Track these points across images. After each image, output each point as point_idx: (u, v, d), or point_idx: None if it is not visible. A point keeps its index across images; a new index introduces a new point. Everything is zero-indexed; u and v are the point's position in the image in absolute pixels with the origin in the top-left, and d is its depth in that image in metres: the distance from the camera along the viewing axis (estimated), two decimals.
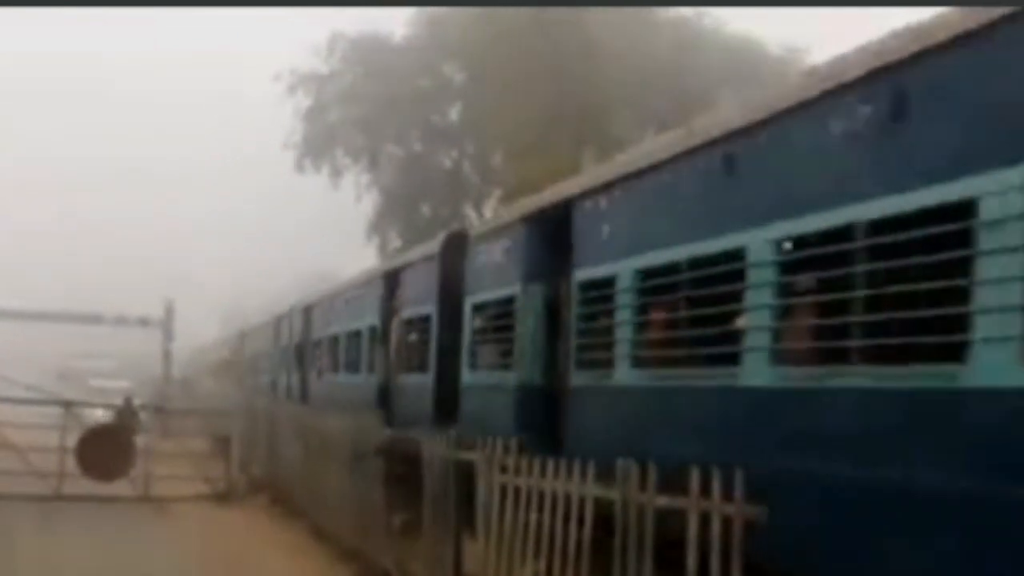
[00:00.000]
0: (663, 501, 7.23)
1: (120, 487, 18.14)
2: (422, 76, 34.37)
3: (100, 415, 22.75)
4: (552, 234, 11.15)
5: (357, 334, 19.74)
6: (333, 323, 22.38)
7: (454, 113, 35.71)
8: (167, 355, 44.06)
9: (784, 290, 7.47)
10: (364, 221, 36.71)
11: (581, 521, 7.98)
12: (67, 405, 19.78)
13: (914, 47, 6.31)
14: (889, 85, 6.46)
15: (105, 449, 18.49)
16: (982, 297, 5.68)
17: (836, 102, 6.92)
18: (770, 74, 29.56)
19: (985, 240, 5.66)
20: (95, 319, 46.66)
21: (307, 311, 25.67)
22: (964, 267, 5.81)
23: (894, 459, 6.09)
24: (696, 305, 8.44)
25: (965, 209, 5.77)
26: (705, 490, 6.82)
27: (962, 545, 5.58)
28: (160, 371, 43.09)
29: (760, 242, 7.54)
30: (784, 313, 7.47)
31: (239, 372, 38.27)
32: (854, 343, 6.64)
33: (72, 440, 18.35)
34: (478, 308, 13.33)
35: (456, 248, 14.48)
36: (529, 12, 28.52)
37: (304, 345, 25.69)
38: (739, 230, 7.81)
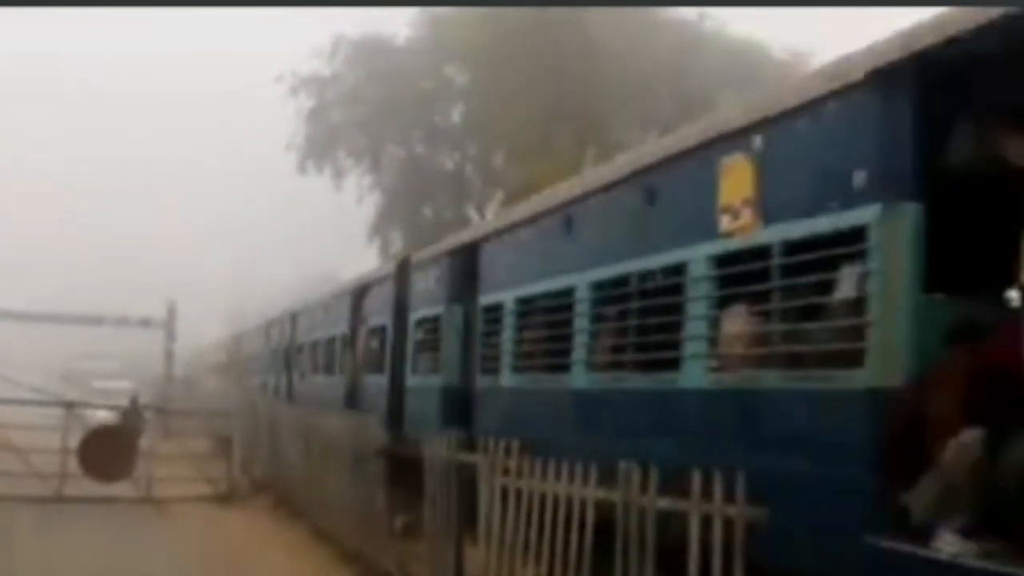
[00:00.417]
0: (664, 503, 7.24)
1: (121, 488, 18.14)
2: (424, 78, 34.39)
3: (102, 416, 22.74)
4: (466, 267, 14.02)
5: (332, 340, 22.32)
6: (313, 330, 24.90)
7: (456, 115, 35.72)
8: (169, 356, 44.09)
9: (595, 318, 10.31)
10: (366, 222, 36.74)
11: (583, 524, 7.99)
12: (69, 406, 19.77)
13: (655, 158, 9.67)
14: (644, 182, 9.56)
15: (107, 450, 18.49)
16: (687, 328, 8.53)
17: (616, 189, 10.21)
18: (773, 77, 29.59)
19: (691, 291, 8.49)
20: (97, 320, 46.69)
21: (293, 318, 27.74)
22: (680, 308, 8.62)
23: (649, 432, 9.01)
24: (546, 327, 11.46)
25: (680, 270, 8.65)
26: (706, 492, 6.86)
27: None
28: (162, 371, 43.11)
29: (583, 283, 10.53)
30: (594, 335, 10.29)
31: (236, 373, 39.84)
32: (628, 357, 9.58)
33: (74, 441, 18.35)
34: (418, 322, 16.20)
35: (406, 271, 17.15)
36: (531, 14, 28.52)
37: (290, 349, 27.85)
38: (572, 273, 10.83)
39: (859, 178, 6.58)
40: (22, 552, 12.76)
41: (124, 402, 24.55)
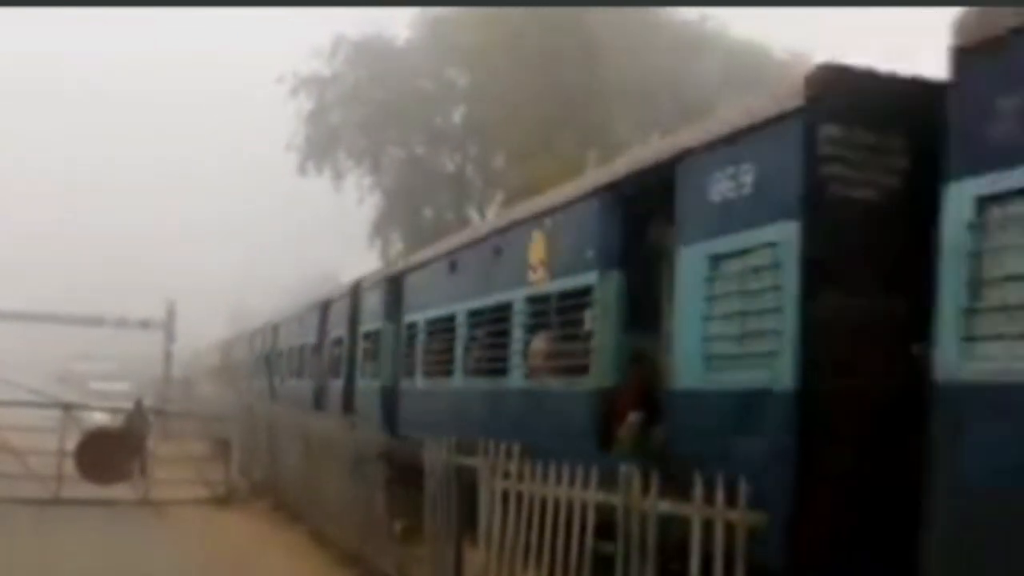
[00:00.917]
0: (666, 507, 7.21)
1: (119, 490, 18.10)
2: (425, 79, 34.36)
3: (99, 418, 22.71)
4: (395, 292, 17.45)
5: (304, 348, 25.55)
6: (289, 339, 28.18)
7: (457, 116, 35.68)
8: (168, 357, 44.11)
9: (468, 337, 13.42)
10: (367, 223, 36.73)
11: (583, 527, 7.95)
12: (66, 408, 19.71)
13: (500, 225, 13.34)
14: (493, 242, 12.97)
15: (104, 453, 18.45)
16: (512, 346, 11.69)
17: (480, 244, 13.59)
18: (775, 78, 29.54)
19: (515, 321, 11.69)
20: (96, 321, 46.69)
21: (274, 328, 30.98)
22: (509, 333, 11.82)
23: (493, 417, 12.03)
24: (441, 342, 14.58)
25: (509, 306, 11.89)
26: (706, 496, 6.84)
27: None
28: (160, 373, 43.13)
29: (463, 311, 13.63)
30: (467, 349, 13.42)
31: (227, 376, 41.99)
32: (483, 366, 12.73)
33: (71, 443, 18.31)
34: (365, 335, 19.16)
35: (358, 291, 20.16)
36: (532, 14, 28.48)
37: (271, 355, 31.13)
38: (456, 304, 13.99)
39: (590, 253, 10.15)
40: (20, 554, 12.71)
41: (122, 404, 24.49)
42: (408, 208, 35.36)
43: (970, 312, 5.66)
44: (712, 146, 8.23)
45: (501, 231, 13.04)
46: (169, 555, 13.72)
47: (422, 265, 16.56)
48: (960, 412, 5.66)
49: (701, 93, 28.69)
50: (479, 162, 35.11)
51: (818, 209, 7.07)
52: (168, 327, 44.30)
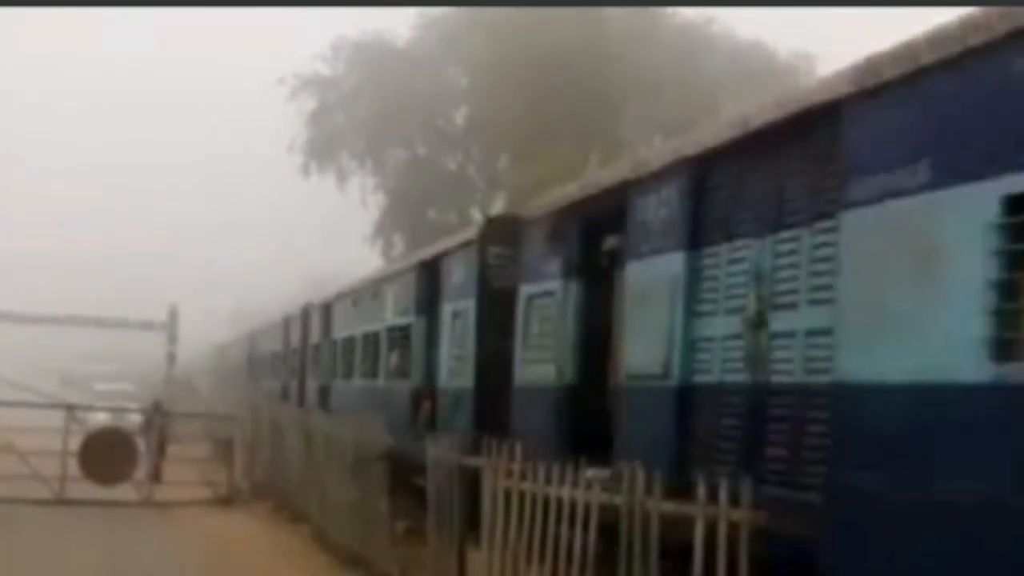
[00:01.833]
0: (669, 507, 7.19)
1: (123, 491, 18.10)
2: (426, 79, 34.32)
3: (103, 419, 22.71)
4: (328, 315, 23.37)
5: (274, 354, 31.41)
6: (263, 346, 34.30)
7: (459, 116, 35.65)
8: (171, 358, 44.15)
9: (366, 351, 19.12)
10: (370, 224, 36.70)
11: (586, 527, 7.93)
12: (70, 409, 19.72)
13: (377, 277, 20.43)
14: (371, 286, 19.71)
15: (108, 453, 18.45)
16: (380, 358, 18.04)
17: (364, 288, 20.22)
18: (780, 79, 29.65)
19: (414, 340, 16.10)
20: (99, 323, 46.73)
21: (252, 337, 37.94)
22: (408, 350, 16.30)
23: (367, 405, 17.02)
24: (361, 353, 19.76)
25: (408, 327, 16.42)
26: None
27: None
28: (163, 374, 43.16)
29: (358, 334, 19.86)
30: (363, 360, 19.42)
31: (220, 376, 45.50)
32: (367, 370, 18.74)
33: (75, 444, 18.32)
34: (313, 347, 25.07)
35: (308, 312, 26.03)
36: (534, 13, 28.46)
37: (251, 359, 37.72)
38: (365, 327, 19.52)
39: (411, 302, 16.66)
40: (24, 554, 12.71)
41: (125, 405, 24.49)
42: (411, 209, 35.30)
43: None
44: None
45: (384, 277, 19.53)
46: (171, 556, 13.72)
47: (341, 296, 22.50)
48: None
49: (706, 93, 28.68)
50: (481, 162, 35.07)
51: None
52: (171, 329, 44.35)
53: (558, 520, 8.22)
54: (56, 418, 19.11)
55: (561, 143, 27.81)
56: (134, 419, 24.60)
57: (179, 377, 44.11)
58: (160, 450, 20.64)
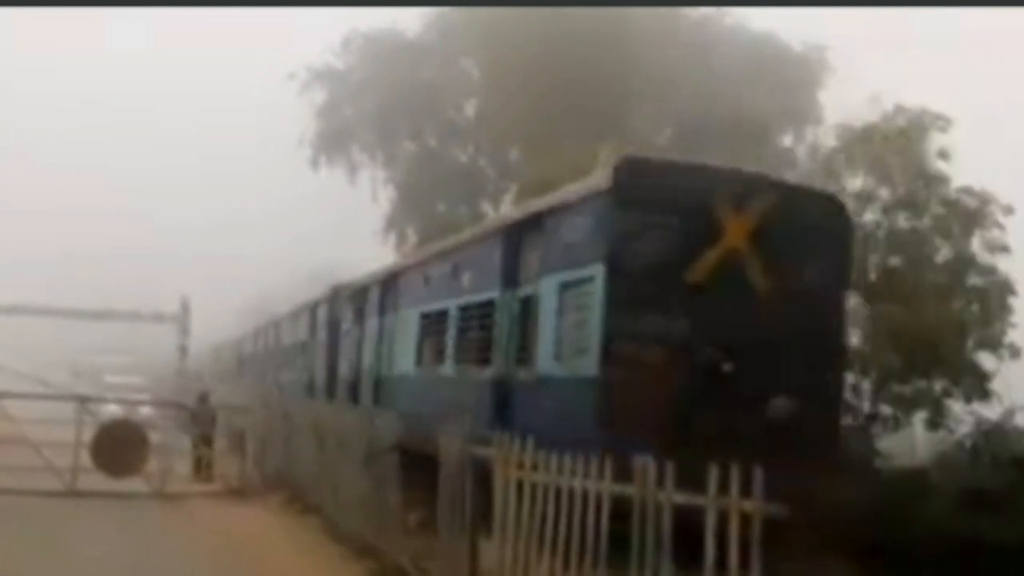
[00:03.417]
0: (681, 499, 7.19)
1: (135, 483, 18.15)
2: (436, 71, 34.24)
3: (114, 411, 22.77)
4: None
5: (263, 354, 37.05)
6: (249, 347, 41.20)
7: (470, 108, 35.56)
8: (183, 351, 44.25)
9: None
10: (381, 217, 36.64)
11: (598, 518, 7.93)
12: (82, 401, 19.79)
13: (288, 309, 31.96)
14: (274, 322, 33.77)
15: (119, 445, 18.50)
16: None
17: (277, 321, 33.41)
18: (794, 70, 29.59)
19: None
20: (110, 315, 46.83)
21: (240, 342, 44.69)
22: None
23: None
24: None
25: (303, 345, 28.17)
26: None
27: None
28: (175, 367, 43.26)
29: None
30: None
31: (220, 371, 47.60)
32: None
33: (87, 436, 18.38)
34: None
35: (277, 322, 33.41)
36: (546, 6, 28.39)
37: (241, 357, 43.42)
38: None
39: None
40: (36, 545, 12.76)
41: (137, 397, 24.52)
42: (422, 202, 35.24)
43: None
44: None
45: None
46: (183, 547, 13.75)
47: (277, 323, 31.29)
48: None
49: (719, 86, 28.57)
50: (492, 155, 34.96)
51: None
52: (182, 321, 44.45)
53: (570, 511, 8.22)
54: (68, 410, 19.18)
55: (572, 136, 27.73)
56: (145, 411, 24.70)
57: (190, 370, 44.22)
58: (207, 444, 20.70)
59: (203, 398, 22.17)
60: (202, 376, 44.16)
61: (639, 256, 11.05)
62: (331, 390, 23.16)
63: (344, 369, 22.78)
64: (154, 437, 19.59)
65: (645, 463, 7.49)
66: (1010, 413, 17.98)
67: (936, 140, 20.50)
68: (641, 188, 11.29)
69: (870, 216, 20.61)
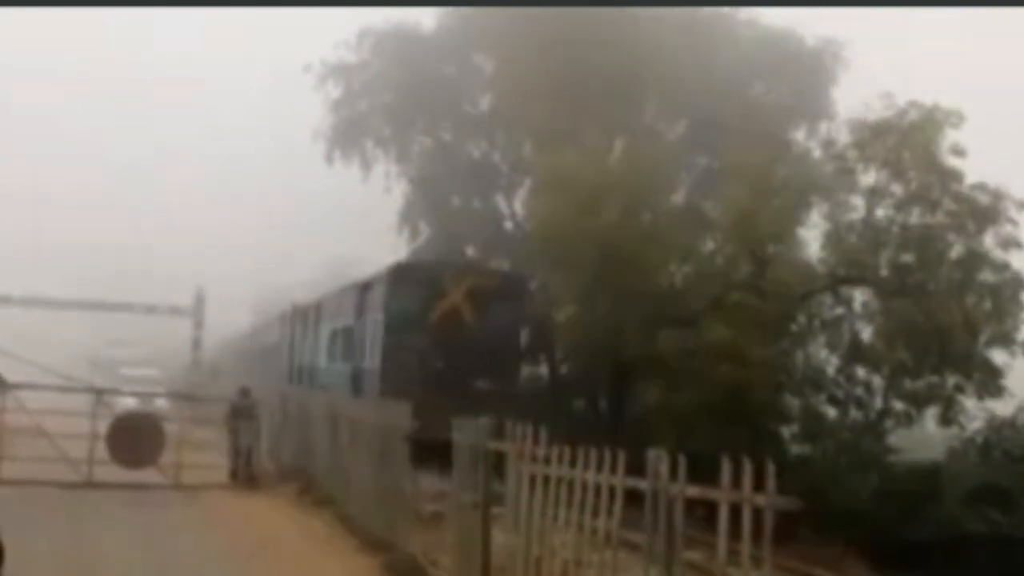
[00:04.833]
0: (694, 492, 7.22)
1: (150, 475, 18.25)
2: (450, 65, 34.22)
3: (130, 403, 22.86)
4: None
5: (257, 353, 43.20)
6: (244, 346, 47.98)
7: (483, 102, 35.50)
8: (197, 343, 44.38)
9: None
10: (395, 211, 36.63)
11: (610, 512, 7.98)
12: (98, 393, 19.89)
13: (263, 320, 46.61)
14: (263, 325, 44.90)
15: (135, 437, 18.59)
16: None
17: (262, 326, 45.24)
18: (807, 65, 29.52)
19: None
20: (126, 307, 46.99)
21: (234, 342, 50.61)
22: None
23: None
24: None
25: (276, 344, 39.31)
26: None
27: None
28: (190, 359, 43.43)
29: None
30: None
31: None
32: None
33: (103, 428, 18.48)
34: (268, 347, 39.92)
35: (260, 328, 43.00)
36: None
37: (240, 353, 48.88)
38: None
39: None
40: (54, 534, 12.85)
41: (152, 389, 24.58)
42: (435, 196, 35.23)
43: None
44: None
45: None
46: (197, 538, 13.82)
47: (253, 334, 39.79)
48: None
49: (733, 80, 28.54)
50: (506, 149, 34.92)
51: None
52: (197, 314, 44.59)
53: (583, 504, 8.26)
54: (84, 402, 19.29)
55: (586, 130, 27.72)
56: (160, 404, 24.82)
57: (204, 362, 44.37)
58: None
59: (244, 392, 21.33)
60: (217, 370, 44.32)
61: (402, 308, 23.12)
62: (290, 376, 33.68)
63: (297, 362, 33.98)
64: (169, 429, 19.66)
65: (658, 456, 7.53)
66: (1022, 409, 17.93)
67: (949, 136, 20.44)
68: (405, 274, 24.19)
69: (882, 212, 20.59)
